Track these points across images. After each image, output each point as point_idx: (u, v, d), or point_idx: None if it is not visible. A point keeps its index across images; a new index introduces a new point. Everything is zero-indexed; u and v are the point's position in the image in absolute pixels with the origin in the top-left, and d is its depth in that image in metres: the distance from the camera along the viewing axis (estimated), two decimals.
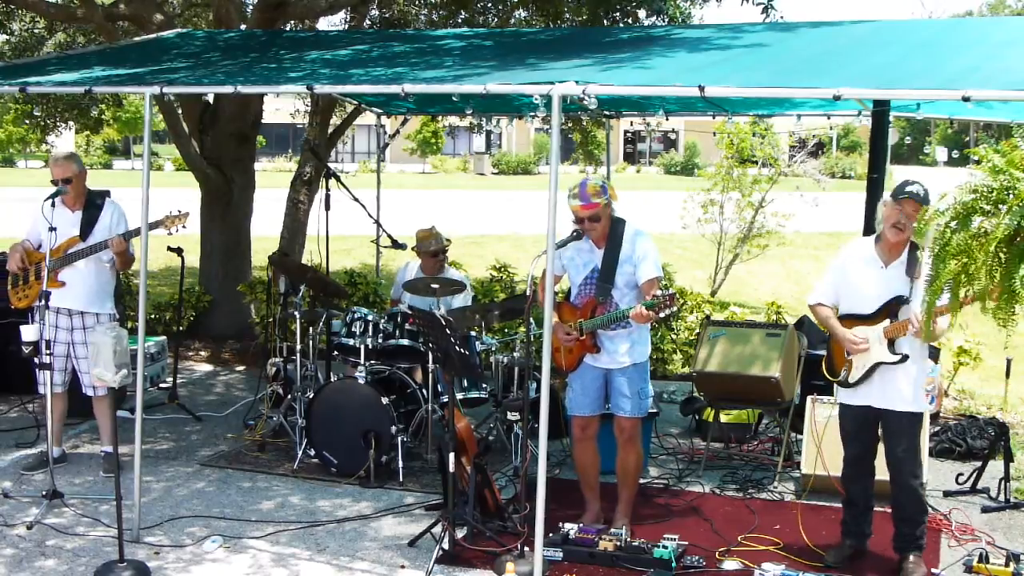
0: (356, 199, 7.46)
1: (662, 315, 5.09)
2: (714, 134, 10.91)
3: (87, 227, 6.23)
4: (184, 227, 6.14)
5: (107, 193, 7.41)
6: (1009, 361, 7.96)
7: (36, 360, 5.82)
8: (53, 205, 5.97)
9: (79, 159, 6.41)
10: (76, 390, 6.45)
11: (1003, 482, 6.03)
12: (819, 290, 5.19)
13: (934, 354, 7.64)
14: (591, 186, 5.21)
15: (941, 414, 7.72)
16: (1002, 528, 5.69)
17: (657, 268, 5.31)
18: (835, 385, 5.19)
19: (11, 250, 6.40)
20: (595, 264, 5.34)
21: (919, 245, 4.84)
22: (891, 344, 4.88)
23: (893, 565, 5.04)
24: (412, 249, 7.32)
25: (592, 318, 5.25)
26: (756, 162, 13.29)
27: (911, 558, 4.96)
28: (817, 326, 7.82)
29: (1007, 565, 4.95)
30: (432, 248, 7.17)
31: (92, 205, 6.31)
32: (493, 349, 7.11)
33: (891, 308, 4.88)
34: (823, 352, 5.34)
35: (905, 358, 4.85)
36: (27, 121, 15.99)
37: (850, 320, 5.01)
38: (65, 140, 38.17)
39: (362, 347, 6.45)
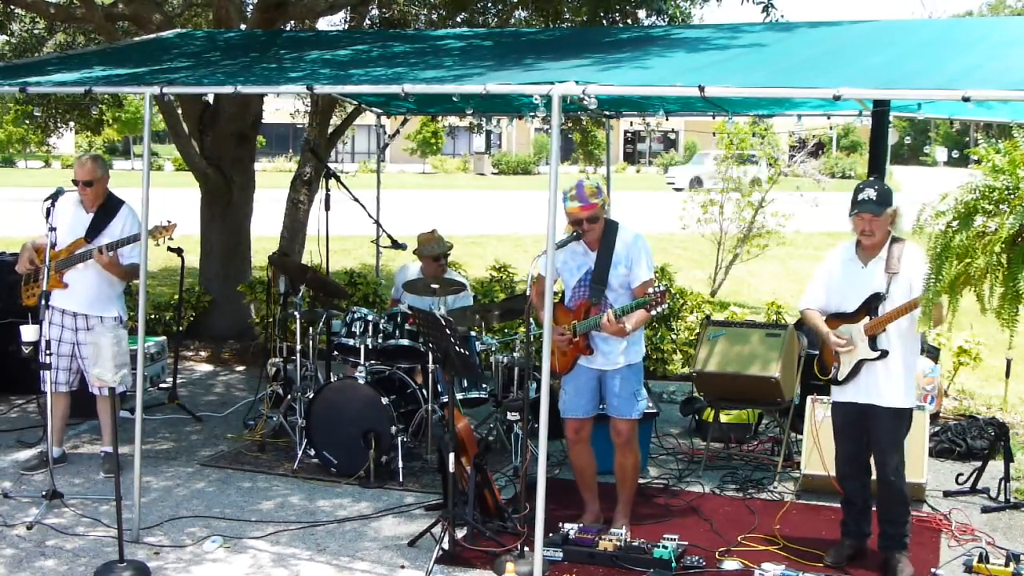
0: (356, 199, 7.46)
1: (653, 313, 5.09)
2: (714, 134, 10.90)
3: (94, 230, 6.22)
4: (171, 238, 6.12)
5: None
6: (1009, 361, 7.96)
7: (37, 360, 5.82)
8: (53, 205, 5.98)
9: (104, 162, 6.41)
10: (80, 390, 6.44)
11: (1003, 482, 6.02)
12: (808, 295, 5.24)
13: (934, 354, 7.66)
14: (588, 187, 5.21)
15: (941, 414, 7.72)
16: (1002, 528, 5.69)
17: (650, 270, 5.32)
18: (830, 384, 5.21)
19: (22, 249, 6.42)
20: (589, 266, 5.33)
21: (899, 238, 4.88)
22: (872, 340, 4.90)
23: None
24: (414, 252, 7.32)
25: (585, 319, 5.25)
26: (756, 162, 13.28)
27: (897, 557, 4.96)
28: (808, 325, 7.86)
29: (1007, 565, 4.94)
30: (434, 252, 7.16)
31: (106, 209, 6.28)
32: (493, 349, 7.10)
33: (869, 305, 4.91)
34: None
35: (885, 354, 4.87)
36: (27, 121, 15.99)
37: (835, 319, 5.05)
38: (66, 141, 38.22)
39: (362, 347, 6.45)
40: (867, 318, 4.91)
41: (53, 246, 6.10)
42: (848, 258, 5.04)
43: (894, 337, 4.89)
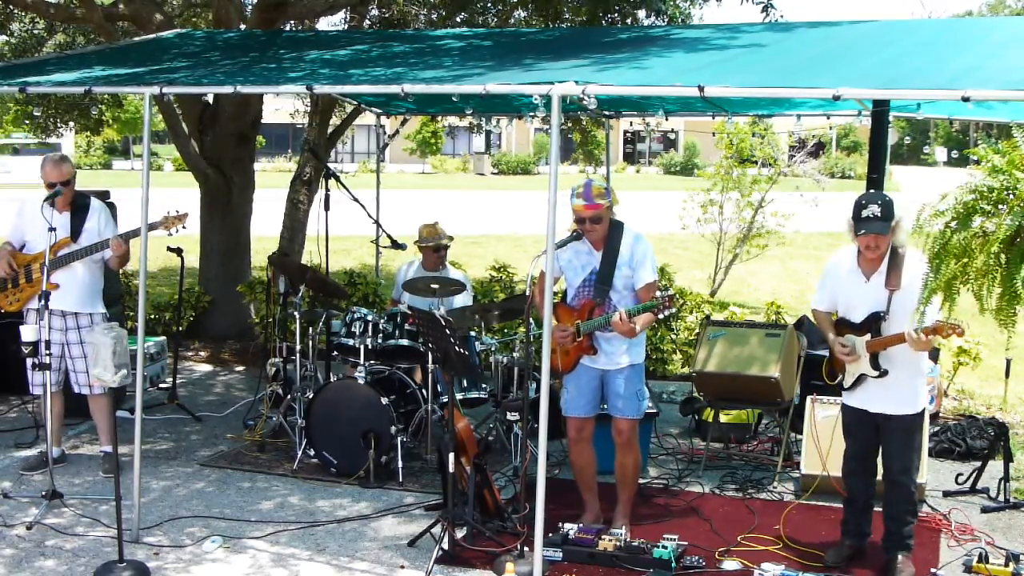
0: (356, 199, 7.46)
1: (660, 316, 5.10)
2: (714, 134, 10.91)
3: (77, 228, 6.22)
4: (184, 227, 6.14)
5: (106, 194, 7.39)
6: (1009, 361, 7.96)
7: (35, 360, 5.82)
8: (52, 205, 5.98)
9: (71, 161, 6.39)
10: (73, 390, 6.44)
11: (1003, 482, 6.03)
12: (816, 296, 5.29)
13: (934, 354, 7.66)
14: (595, 187, 5.21)
15: (941, 414, 7.73)
16: (1002, 528, 5.69)
17: (654, 272, 5.33)
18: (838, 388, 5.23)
19: None
20: (593, 266, 5.33)
21: (900, 248, 4.87)
22: (874, 359, 4.90)
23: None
24: (415, 243, 7.33)
25: (589, 320, 5.26)
26: (756, 162, 13.29)
27: (899, 558, 4.96)
28: (816, 327, 7.86)
29: (1006, 565, 4.94)
30: (434, 243, 7.19)
31: (79, 207, 6.29)
32: (493, 349, 7.11)
33: (870, 324, 4.91)
34: (823, 352, 5.37)
35: (885, 373, 4.88)
36: (27, 122, 15.98)
37: (843, 327, 5.07)
38: (66, 140, 38.16)
39: (362, 347, 6.45)
40: (868, 335, 4.92)
41: (13, 247, 6.14)
42: (851, 269, 5.01)
43: (897, 353, 4.87)
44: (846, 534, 5.22)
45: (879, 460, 5.13)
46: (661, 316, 5.11)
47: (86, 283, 6.26)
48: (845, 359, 4.98)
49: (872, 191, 5.05)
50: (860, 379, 4.97)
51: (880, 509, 5.14)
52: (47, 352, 5.85)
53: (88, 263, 6.22)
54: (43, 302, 5.69)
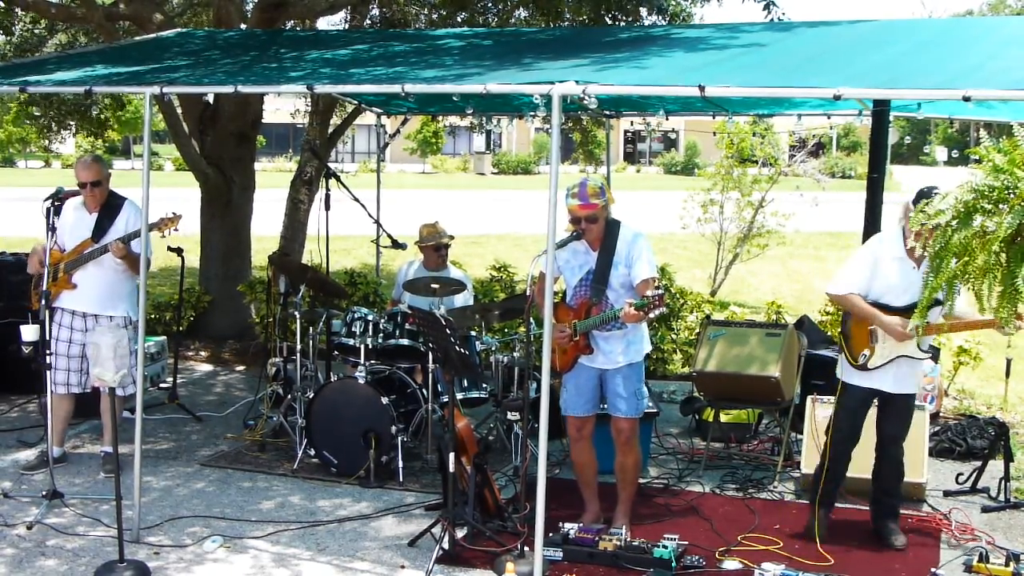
0: (356, 199, 7.47)
1: (652, 315, 5.06)
2: (714, 134, 10.89)
3: (100, 230, 6.23)
4: (176, 229, 6.12)
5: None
6: (1009, 361, 7.96)
7: (39, 360, 5.82)
8: (53, 205, 5.98)
9: (105, 161, 6.42)
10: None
11: (1003, 482, 6.03)
12: (850, 280, 5.26)
13: (934, 354, 7.66)
14: (591, 187, 5.21)
15: (941, 414, 7.72)
16: (1002, 528, 5.69)
17: (652, 268, 5.30)
18: (842, 365, 5.35)
19: (32, 252, 6.39)
20: (590, 266, 5.33)
21: None
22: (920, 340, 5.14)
23: (891, 564, 5.08)
24: (416, 243, 7.33)
25: (586, 319, 5.25)
26: (756, 162, 13.29)
27: (891, 526, 5.36)
28: (817, 326, 7.85)
29: (1007, 565, 4.95)
30: (435, 243, 7.20)
31: (109, 208, 6.29)
32: (493, 349, 7.10)
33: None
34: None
35: (933, 352, 5.10)
36: (27, 122, 15.98)
37: (881, 309, 5.16)
38: (67, 141, 38.07)
39: (362, 347, 6.45)
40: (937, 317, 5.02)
41: (56, 247, 6.12)
42: (898, 256, 5.14)
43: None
44: (823, 505, 5.39)
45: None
46: (652, 315, 5.07)
47: (105, 285, 6.25)
48: (905, 338, 5.08)
49: (930, 186, 5.03)
50: (893, 360, 5.14)
51: (855, 507, 5.48)
52: (48, 352, 5.86)
53: (108, 265, 6.20)
54: (43, 302, 5.70)
